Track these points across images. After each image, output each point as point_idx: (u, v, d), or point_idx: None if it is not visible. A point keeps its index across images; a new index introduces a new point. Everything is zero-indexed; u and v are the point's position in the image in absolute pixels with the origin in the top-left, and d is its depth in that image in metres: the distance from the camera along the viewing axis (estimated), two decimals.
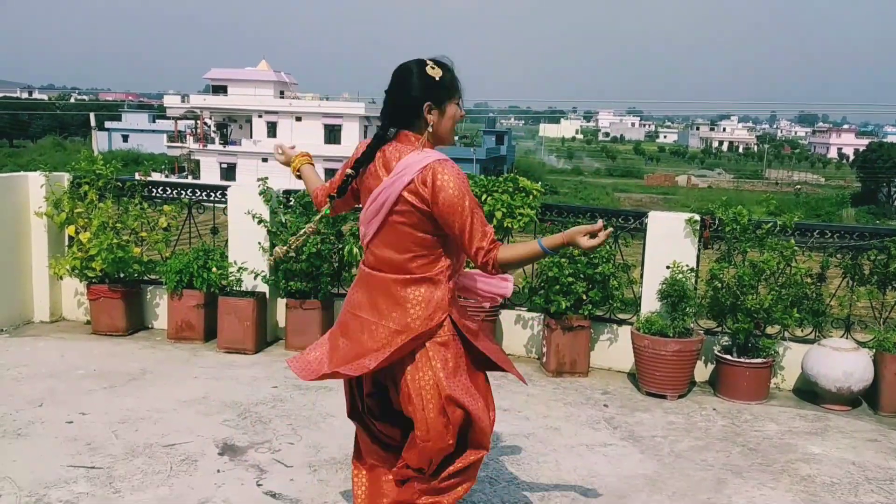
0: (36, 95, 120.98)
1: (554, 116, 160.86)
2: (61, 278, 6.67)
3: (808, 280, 5.72)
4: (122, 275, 6.50)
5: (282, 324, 6.45)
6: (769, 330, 5.77)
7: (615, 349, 6.16)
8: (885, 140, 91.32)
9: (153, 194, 6.89)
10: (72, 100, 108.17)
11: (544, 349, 6.04)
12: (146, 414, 4.78)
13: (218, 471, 4.06)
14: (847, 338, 5.81)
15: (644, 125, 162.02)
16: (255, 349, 6.14)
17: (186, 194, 6.83)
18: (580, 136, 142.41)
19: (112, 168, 6.64)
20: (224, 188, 6.67)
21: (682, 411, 5.31)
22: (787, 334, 5.90)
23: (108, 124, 72.78)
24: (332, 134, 53.73)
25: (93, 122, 40.02)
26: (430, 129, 2.82)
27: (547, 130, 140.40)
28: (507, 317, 6.42)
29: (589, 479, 4.15)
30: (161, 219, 6.62)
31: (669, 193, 68.37)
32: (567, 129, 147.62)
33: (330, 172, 52.89)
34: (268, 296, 6.36)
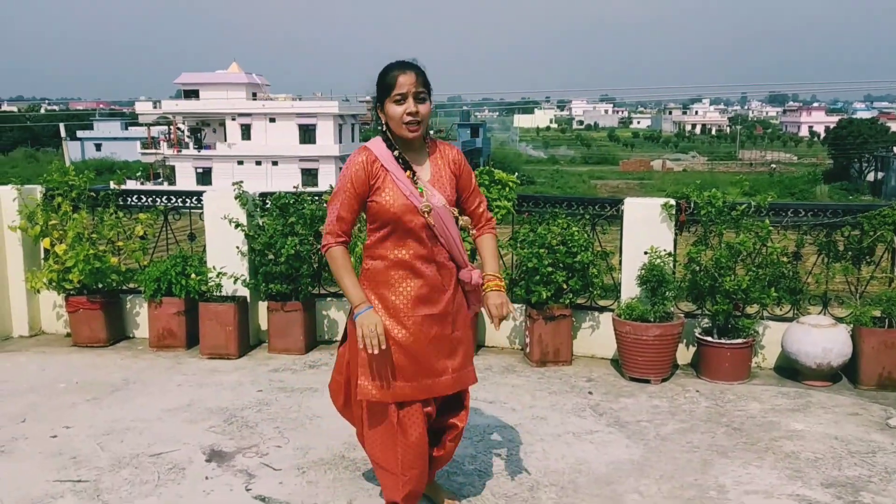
0: (5, 108, 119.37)
1: (527, 107, 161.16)
2: (38, 292, 6.60)
3: (784, 259, 5.78)
4: (100, 285, 6.45)
5: (264, 327, 6.43)
6: (748, 310, 5.83)
7: (597, 336, 6.20)
8: (854, 116, 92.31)
9: (128, 203, 6.83)
10: (42, 110, 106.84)
11: (527, 340, 6.06)
12: (131, 424, 4.76)
13: (206, 478, 4.04)
14: (825, 314, 5.89)
15: (617, 112, 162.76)
16: (238, 354, 6.11)
17: (162, 201, 6.78)
18: (554, 126, 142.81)
19: (85, 178, 6.59)
20: (200, 194, 6.63)
21: (666, 395, 5.35)
22: (765, 313, 5.96)
23: (79, 133, 72.08)
24: (307, 134, 53.51)
25: (63, 133, 39.64)
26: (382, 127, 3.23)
27: (521, 121, 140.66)
28: None
29: (577, 467, 4.18)
30: (137, 227, 6.57)
31: (645, 178, 68.77)
32: (541, 118, 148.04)
33: (306, 172, 52.83)
34: (248, 299, 6.33)
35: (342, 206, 3.16)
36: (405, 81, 3.09)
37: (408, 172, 3.19)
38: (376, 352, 3.10)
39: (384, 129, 3.22)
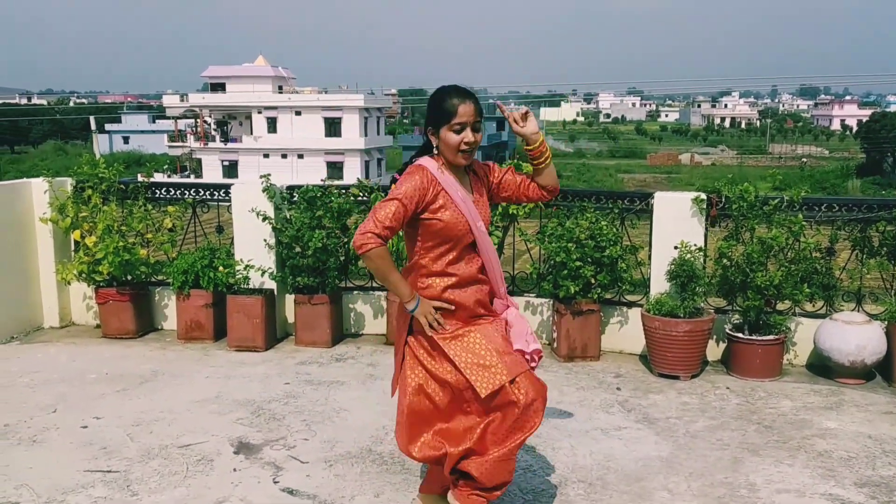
0: (35, 101, 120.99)
1: (554, 100, 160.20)
2: (69, 283, 6.67)
3: (818, 254, 5.68)
4: (129, 277, 6.50)
5: (291, 320, 6.45)
6: (780, 306, 5.74)
7: (626, 332, 6.14)
8: (888, 110, 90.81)
9: (157, 195, 6.88)
10: (71, 103, 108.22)
11: (555, 335, 6.02)
12: (160, 415, 4.79)
13: (234, 469, 4.06)
14: (858, 311, 5.78)
15: (645, 105, 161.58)
16: (265, 346, 6.14)
17: (190, 194, 6.82)
18: (581, 119, 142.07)
19: (114, 171, 6.64)
20: (228, 186, 6.65)
21: (696, 391, 5.29)
22: (797, 310, 5.87)
23: (108, 126, 72.85)
24: (333, 127, 53.69)
25: (93, 126, 40.04)
26: (436, 151, 3.24)
27: (547, 114, 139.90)
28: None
29: (605, 464, 4.14)
30: (166, 220, 6.61)
31: (673, 172, 68.16)
32: (567, 112, 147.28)
33: (331, 165, 53.05)
34: (276, 292, 6.35)
35: (394, 216, 3.07)
36: (465, 112, 3.12)
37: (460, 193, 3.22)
38: (447, 327, 3.18)
39: (436, 151, 3.23)
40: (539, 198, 3.40)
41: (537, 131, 3.24)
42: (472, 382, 3.12)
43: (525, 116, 3.21)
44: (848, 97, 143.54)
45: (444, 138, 3.15)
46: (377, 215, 3.06)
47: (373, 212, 3.10)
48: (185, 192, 6.87)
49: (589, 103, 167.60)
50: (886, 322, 5.50)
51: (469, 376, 3.13)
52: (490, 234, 3.31)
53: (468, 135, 3.14)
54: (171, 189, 6.99)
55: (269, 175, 6.38)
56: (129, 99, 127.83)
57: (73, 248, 6.79)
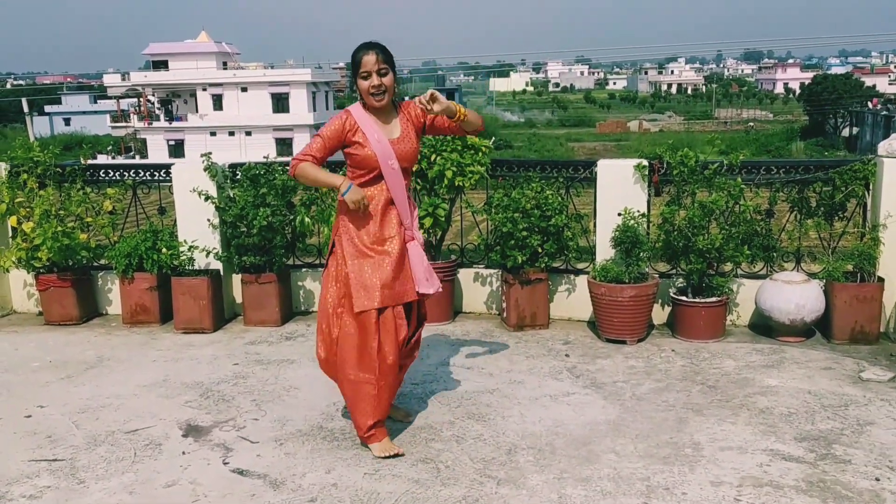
0: None
1: (503, 70, 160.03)
2: (7, 271, 6.50)
3: (757, 216, 5.80)
4: (70, 262, 6.36)
5: (239, 300, 6.38)
6: (722, 268, 5.85)
7: (574, 299, 6.21)
8: (829, 72, 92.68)
9: (96, 178, 6.72)
10: (7, 85, 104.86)
11: (504, 304, 6.06)
12: (106, 401, 4.72)
13: (183, 453, 4.02)
14: (798, 270, 5.93)
15: (593, 73, 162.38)
16: (213, 328, 6.07)
17: (130, 175, 6.67)
18: (530, 89, 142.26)
19: (50, 154, 6.46)
20: (168, 167, 6.52)
21: (642, 355, 5.39)
22: (739, 271, 5.99)
23: (47, 108, 70.84)
24: (280, 103, 52.96)
25: (26, 108, 38.85)
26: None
27: (497, 85, 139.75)
28: (465, 275, 6.43)
29: (554, 429, 4.20)
30: (105, 202, 6.46)
31: (622, 140, 68.73)
32: (517, 81, 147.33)
33: (280, 141, 52.27)
34: (222, 273, 6.27)
35: (319, 150, 3.81)
36: (367, 61, 3.77)
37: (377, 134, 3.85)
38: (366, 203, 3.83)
39: (359, 98, 3.90)
40: (472, 134, 4.13)
41: (448, 104, 3.77)
42: (352, 295, 3.81)
43: (432, 98, 3.73)
44: (791, 60, 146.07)
45: (358, 86, 3.83)
46: (306, 148, 3.82)
47: (305, 146, 3.82)
48: (125, 173, 6.72)
49: (538, 73, 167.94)
50: (824, 280, 5.65)
51: (353, 290, 3.82)
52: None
53: (373, 79, 3.77)
54: (110, 171, 6.82)
55: (211, 153, 6.28)
56: (68, 79, 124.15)
57: (10, 234, 6.61)
